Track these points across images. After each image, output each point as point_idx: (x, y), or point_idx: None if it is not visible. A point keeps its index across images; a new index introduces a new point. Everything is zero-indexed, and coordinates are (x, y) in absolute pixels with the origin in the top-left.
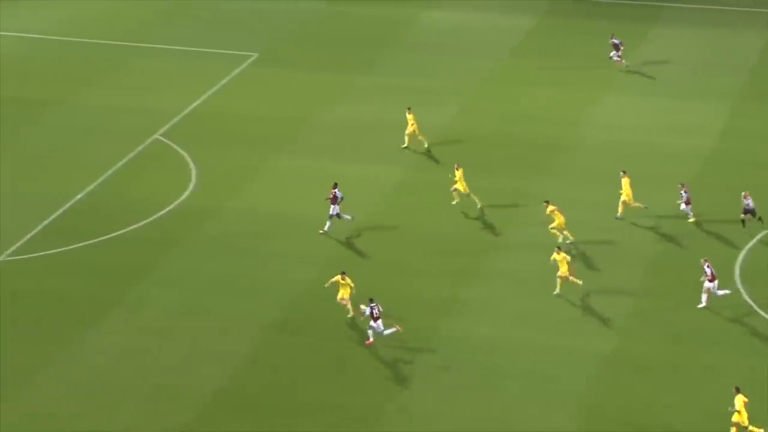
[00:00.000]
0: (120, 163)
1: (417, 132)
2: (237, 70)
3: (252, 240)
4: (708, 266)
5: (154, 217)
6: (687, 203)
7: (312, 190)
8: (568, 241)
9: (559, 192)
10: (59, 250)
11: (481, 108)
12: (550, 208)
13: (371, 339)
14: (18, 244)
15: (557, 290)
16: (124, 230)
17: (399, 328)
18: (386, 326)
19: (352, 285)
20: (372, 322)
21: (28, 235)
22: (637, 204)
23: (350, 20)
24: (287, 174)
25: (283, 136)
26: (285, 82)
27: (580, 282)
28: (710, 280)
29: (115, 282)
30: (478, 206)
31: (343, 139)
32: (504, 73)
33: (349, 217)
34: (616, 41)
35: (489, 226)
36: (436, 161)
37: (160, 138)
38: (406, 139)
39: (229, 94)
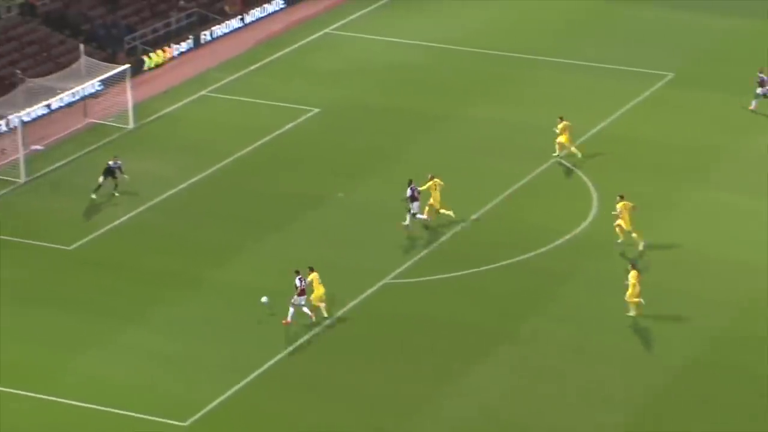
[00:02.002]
0: (516, 185)
1: (569, 142)
2: (649, 91)
3: (660, 277)
4: None
5: (551, 245)
6: None
7: (726, 227)
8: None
9: None
10: (446, 275)
11: None
12: (621, 204)
13: (289, 319)
14: (403, 267)
15: (632, 312)
16: (518, 258)
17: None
18: (307, 303)
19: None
20: (296, 296)
21: (415, 258)
22: None
23: None
24: (698, 208)
25: (694, 166)
26: (701, 105)
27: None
28: None
29: (505, 314)
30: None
31: (763, 171)
32: None
33: (407, 222)
34: (764, 77)
35: None
36: None
37: (561, 160)
38: (557, 147)
39: (639, 116)
